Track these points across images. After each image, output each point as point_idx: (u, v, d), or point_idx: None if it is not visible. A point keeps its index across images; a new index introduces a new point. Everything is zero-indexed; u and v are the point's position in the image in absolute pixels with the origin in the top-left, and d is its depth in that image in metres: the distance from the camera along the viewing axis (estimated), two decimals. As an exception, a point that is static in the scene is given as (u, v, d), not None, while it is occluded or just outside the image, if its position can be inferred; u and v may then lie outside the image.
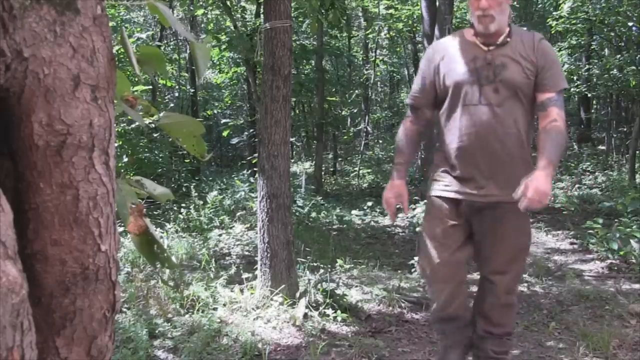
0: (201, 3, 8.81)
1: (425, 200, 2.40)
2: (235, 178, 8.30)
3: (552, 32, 11.09)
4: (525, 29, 2.36)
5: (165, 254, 1.08)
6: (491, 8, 2.10)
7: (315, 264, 4.21)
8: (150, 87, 9.77)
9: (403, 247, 5.68)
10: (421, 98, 2.32)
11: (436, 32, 7.34)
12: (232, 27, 7.86)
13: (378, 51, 14.15)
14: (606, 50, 13.14)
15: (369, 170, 11.90)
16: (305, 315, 3.36)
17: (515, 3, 12.27)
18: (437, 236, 2.26)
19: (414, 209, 6.98)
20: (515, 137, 2.15)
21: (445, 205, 2.24)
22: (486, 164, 2.16)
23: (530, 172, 2.00)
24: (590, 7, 9.26)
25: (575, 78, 12.19)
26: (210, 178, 9.98)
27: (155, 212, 6.54)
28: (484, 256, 2.30)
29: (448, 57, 2.22)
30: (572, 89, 12.36)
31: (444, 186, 2.25)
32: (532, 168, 2.06)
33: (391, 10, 10.92)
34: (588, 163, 11.24)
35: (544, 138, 2.06)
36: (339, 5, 5.48)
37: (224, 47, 8.70)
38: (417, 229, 6.12)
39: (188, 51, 11.33)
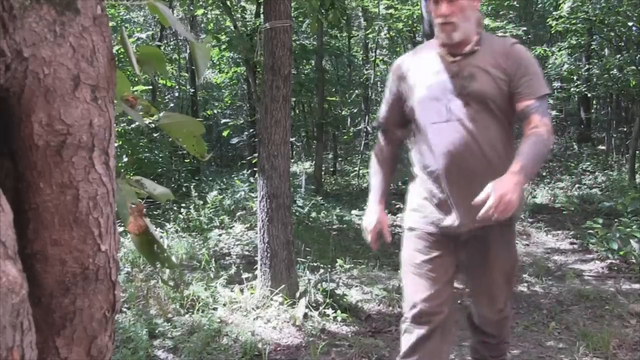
0: (201, 3, 8.80)
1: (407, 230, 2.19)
2: (235, 178, 8.30)
3: (552, 32, 11.09)
4: (499, 35, 2.21)
5: (165, 254, 1.08)
6: (453, 15, 1.92)
7: (315, 264, 4.21)
8: (150, 87, 9.77)
9: (403, 247, 5.68)
10: (389, 118, 2.18)
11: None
12: (232, 27, 7.86)
13: (378, 51, 14.15)
14: (606, 50, 13.14)
15: (369, 170, 11.89)
16: (305, 315, 3.36)
17: (515, 3, 12.28)
18: (422, 271, 2.07)
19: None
20: (494, 153, 1.95)
21: (428, 237, 2.07)
22: (466, 186, 1.94)
23: None
24: (590, 7, 9.26)
25: (575, 78, 12.19)
26: (210, 178, 9.98)
27: (155, 212, 6.54)
28: (475, 284, 2.21)
29: (412, 71, 2.05)
30: (572, 89, 12.36)
31: (422, 217, 2.08)
32: None
33: (391, 10, 10.91)
34: (588, 163, 11.23)
35: (522, 143, 1.88)
36: (339, 5, 5.48)
37: (224, 47, 8.69)
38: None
39: (188, 51, 11.34)
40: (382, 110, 2.20)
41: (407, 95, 2.06)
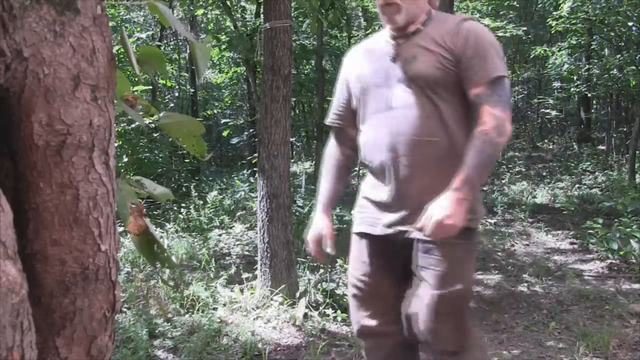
0: (201, 3, 8.80)
1: None
2: (235, 178, 8.30)
3: (552, 32, 11.09)
4: (456, 14, 1.78)
5: (165, 254, 1.08)
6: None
7: (315, 264, 4.21)
8: (150, 87, 9.77)
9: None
10: (340, 115, 1.93)
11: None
12: (232, 27, 7.86)
13: (378, 51, 14.14)
14: (606, 50, 13.13)
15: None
16: (305, 315, 3.36)
17: (515, 3, 12.28)
18: (363, 284, 1.84)
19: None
20: (440, 147, 1.67)
21: (368, 243, 1.83)
22: (404, 184, 1.70)
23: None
24: (590, 7, 9.25)
25: (575, 78, 12.19)
26: (210, 178, 9.98)
27: (155, 212, 6.54)
28: (405, 304, 1.79)
29: (359, 60, 1.86)
30: (572, 89, 12.36)
31: (361, 219, 1.85)
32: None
33: (391, 10, 10.90)
34: (588, 163, 11.23)
35: (467, 150, 1.61)
36: (339, 5, 5.48)
37: (224, 47, 8.69)
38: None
39: (188, 51, 11.34)
40: (333, 107, 1.96)
41: (353, 87, 1.86)
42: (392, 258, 1.81)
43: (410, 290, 1.76)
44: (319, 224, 1.93)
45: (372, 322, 1.84)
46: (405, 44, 1.73)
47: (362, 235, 1.85)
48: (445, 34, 1.69)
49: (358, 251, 1.88)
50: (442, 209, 1.55)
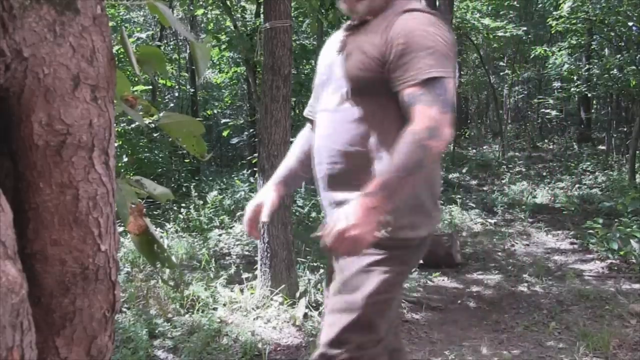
0: (201, 3, 8.80)
1: None
2: (235, 178, 8.30)
3: (552, 32, 11.09)
4: (417, 5, 1.53)
5: (166, 254, 1.08)
6: None
7: (315, 264, 4.21)
8: (150, 87, 9.76)
9: (403, 247, 5.68)
10: (313, 108, 1.76)
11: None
12: (232, 27, 7.86)
13: (378, 51, 14.15)
14: (606, 50, 13.14)
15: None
16: (305, 315, 3.36)
17: (515, 3, 12.28)
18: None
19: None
20: (360, 156, 1.49)
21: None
22: (328, 193, 1.58)
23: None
24: (590, 7, 9.26)
25: (575, 78, 12.19)
26: (210, 178, 9.97)
27: (155, 212, 6.53)
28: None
29: (322, 53, 1.69)
30: (572, 89, 12.36)
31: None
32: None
33: (391, 10, 10.90)
34: (588, 163, 11.22)
35: (392, 151, 1.38)
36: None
37: (224, 47, 8.69)
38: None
39: (188, 51, 11.33)
40: (310, 99, 1.79)
41: (316, 80, 1.71)
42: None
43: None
44: (264, 194, 1.76)
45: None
46: (350, 37, 1.54)
47: None
48: (383, 29, 1.45)
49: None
50: (346, 217, 1.32)
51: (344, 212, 1.34)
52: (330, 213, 1.59)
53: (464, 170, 11.07)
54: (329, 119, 1.55)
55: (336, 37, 1.66)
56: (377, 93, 1.46)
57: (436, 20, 1.45)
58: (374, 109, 1.48)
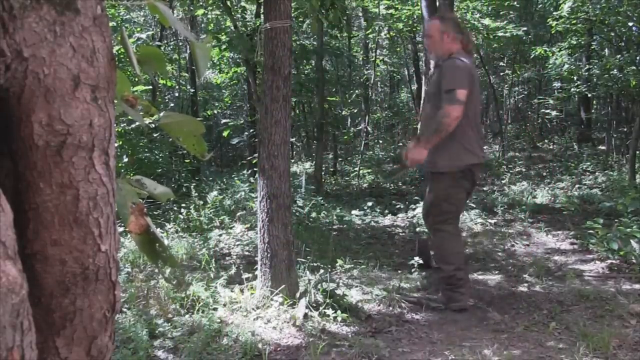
0: (201, 3, 8.80)
1: None
2: (235, 178, 8.30)
3: (552, 32, 11.09)
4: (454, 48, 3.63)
5: (167, 253, 1.08)
6: (425, 43, 3.91)
7: (315, 264, 4.21)
8: (150, 87, 9.77)
9: (403, 247, 5.67)
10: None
11: (436, 32, 7.32)
12: (232, 27, 7.86)
13: (378, 51, 14.16)
14: (606, 50, 13.14)
15: (369, 170, 11.88)
16: (306, 316, 3.36)
17: (515, 3, 12.27)
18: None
19: (414, 209, 6.98)
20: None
21: None
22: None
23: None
24: (590, 7, 9.26)
25: (575, 78, 12.19)
26: (210, 178, 9.97)
27: (155, 212, 6.53)
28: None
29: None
30: (572, 89, 12.35)
31: None
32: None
33: (391, 10, 10.91)
34: (588, 163, 11.22)
35: None
36: (339, 5, 5.48)
37: (224, 47, 8.69)
38: (417, 229, 6.12)
39: (188, 51, 11.33)
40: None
41: None
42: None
43: None
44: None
45: None
46: (436, 70, 3.66)
47: None
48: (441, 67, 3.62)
49: None
50: (409, 150, 3.65)
51: (409, 147, 3.67)
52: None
53: (464, 171, 11.01)
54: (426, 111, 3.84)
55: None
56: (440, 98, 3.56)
57: (459, 62, 3.49)
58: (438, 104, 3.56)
